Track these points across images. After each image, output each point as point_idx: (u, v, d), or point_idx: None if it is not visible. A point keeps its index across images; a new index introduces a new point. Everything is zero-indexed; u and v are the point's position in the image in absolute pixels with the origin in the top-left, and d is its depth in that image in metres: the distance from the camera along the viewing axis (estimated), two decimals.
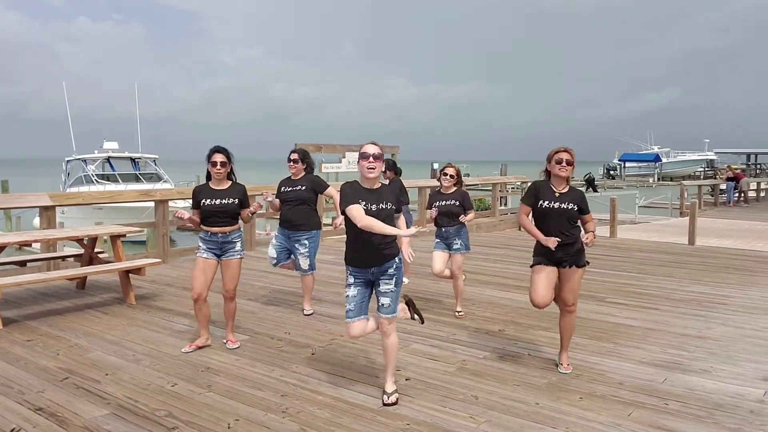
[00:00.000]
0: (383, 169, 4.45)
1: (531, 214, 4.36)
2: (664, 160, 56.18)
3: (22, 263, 7.39)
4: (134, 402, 3.86)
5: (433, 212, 5.86)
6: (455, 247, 5.93)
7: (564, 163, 4.20)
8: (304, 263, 5.88)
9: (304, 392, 4.04)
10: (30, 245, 9.92)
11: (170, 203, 9.17)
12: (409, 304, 4.43)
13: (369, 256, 3.79)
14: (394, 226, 3.83)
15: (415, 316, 4.42)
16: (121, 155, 23.40)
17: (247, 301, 6.46)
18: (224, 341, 5.03)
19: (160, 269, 8.04)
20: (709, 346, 5.08)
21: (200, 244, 4.90)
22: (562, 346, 4.52)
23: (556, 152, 4.24)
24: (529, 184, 17.77)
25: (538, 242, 4.29)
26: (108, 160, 22.84)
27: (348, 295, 3.86)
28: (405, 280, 7.37)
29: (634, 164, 56.07)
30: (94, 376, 4.29)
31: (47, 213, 7.67)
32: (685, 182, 23.06)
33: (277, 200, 5.83)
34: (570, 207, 4.21)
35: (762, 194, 26.13)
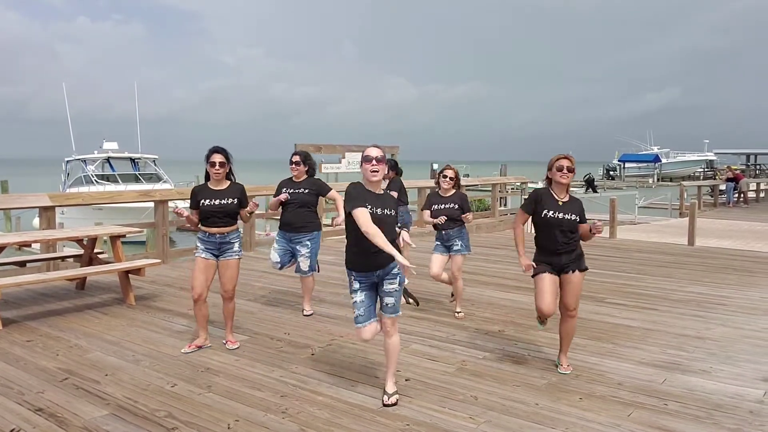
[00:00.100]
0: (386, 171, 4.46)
1: (533, 223, 4.42)
2: (663, 160, 56.21)
3: (22, 264, 7.39)
4: (134, 402, 3.86)
5: (441, 219, 5.78)
6: (456, 248, 5.93)
7: (565, 170, 4.26)
8: (304, 264, 5.88)
9: (304, 393, 4.04)
10: (30, 246, 9.92)
11: (170, 203, 9.17)
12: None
13: (375, 260, 3.78)
14: (396, 234, 3.86)
15: (410, 300, 4.43)
16: (120, 155, 23.40)
17: (246, 302, 6.46)
18: (224, 342, 5.03)
19: (160, 270, 8.04)
20: (709, 347, 5.08)
21: (198, 244, 4.90)
22: (562, 349, 4.54)
23: (557, 159, 4.31)
24: (529, 185, 17.76)
25: (538, 249, 4.39)
26: (108, 160, 22.84)
27: (356, 301, 3.84)
28: (405, 280, 7.36)
29: (634, 165, 56.10)
30: (93, 377, 4.30)
31: (47, 213, 7.67)
32: (684, 183, 23.07)
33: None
34: (573, 218, 4.28)
35: (761, 195, 26.13)
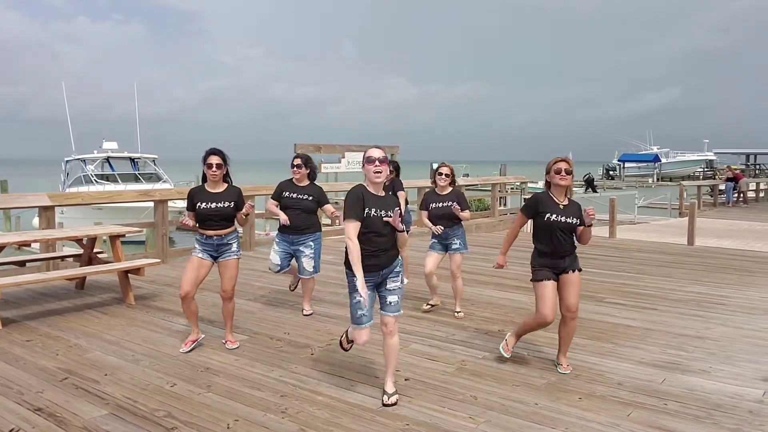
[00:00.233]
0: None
1: (533, 226, 4.44)
2: (663, 160, 56.21)
3: (22, 263, 7.39)
4: (133, 402, 3.86)
5: (438, 229, 5.84)
6: (454, 246, 5.94)
7: (563, 173, 4.30)
8: (309, 265, 5.87)
9: (304, 392, 4.04)
10: (29, 245, 9.90)
11: (170, 203, 9.17)
12: None
13: (382, 260, 3.81)
14: (396, 238, 3.87)
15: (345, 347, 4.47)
16: (120, 155, 23.40)
17: (246, 302, 6.46)
18: (223, 341, 5.03)
19: (160, 269, 8.04)
20: (708, 347, 5.08)
21: (196, 245, 4.90)
22: (561, 349, 4.54)
23: (555, 162, 4.35)
24: (528, 185, 17.75)
25: (537, 253, 4.40)
26: (107, 160, 22.83)
27: (359, 301, 3.82)
28: (405, 280, 7.36)
29: (634, 164, 56.10)
30: (93, 377, 4.29)
31: (46, 213, 7.66)
32: (684, 183, 23.09)
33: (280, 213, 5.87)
34: (574, 222, 4.32)
35: (761, 195, 26.14)
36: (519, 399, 3.96)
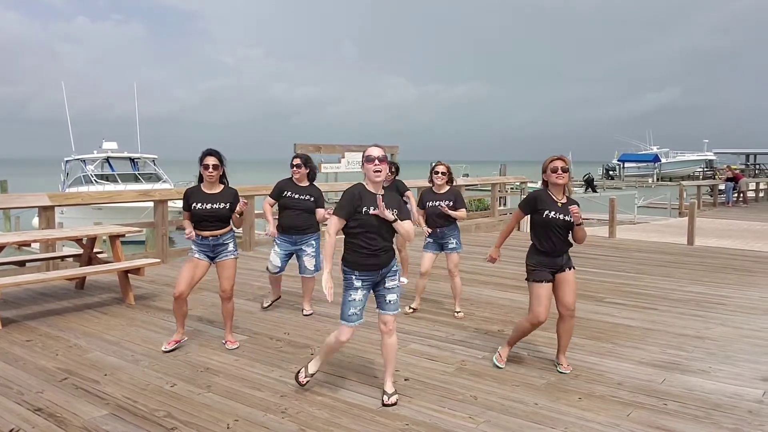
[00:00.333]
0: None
1: (531, 223, 4.44)
2: (663, 160, 56.20)
3: (21, 263, 7.39)
4: (133, 402, 3.86)
5: (428, 230, 5.95)
6: (450, 246, 5.95)
7: (560, 171, 4.30)
8: (310, 263, 5.88)
9: (303, 392, 4.03)
10: (29, 245, 9.91)
11: (170, 203, 9.17)
12: None
13: (381, 260, 3.81)
14: (394, 234, 3.87)
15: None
16: (120, 155, 23.40)
17: (246, 302, 6.46)
18: (223, 342, 5.03)
19: (159, 269, 8.04)
20: (708, 347, 5.08)
21: (192, 246, 4.90)
22: (561, 349, 4.54)
23: (551, 161, 4.35)
24: (528, 184, 17.78)
25: (535, 251, 4.39)
26: (107, 160, 22.83)
27: (354, 299, 3.81)
28: (404, 279, 7.37)
29: (633, 164, 56.09)
30: (93, 377, 4.30)
31: (46, 213, 7.66)
32: (684, 182, 23.09)
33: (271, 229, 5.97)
34: (572, 220, 4.31)
35: (761, 194, 26.14)
36: (519, 399, 3.96)
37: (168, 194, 9.31)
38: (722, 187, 23.43)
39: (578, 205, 4.39)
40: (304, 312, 6.03)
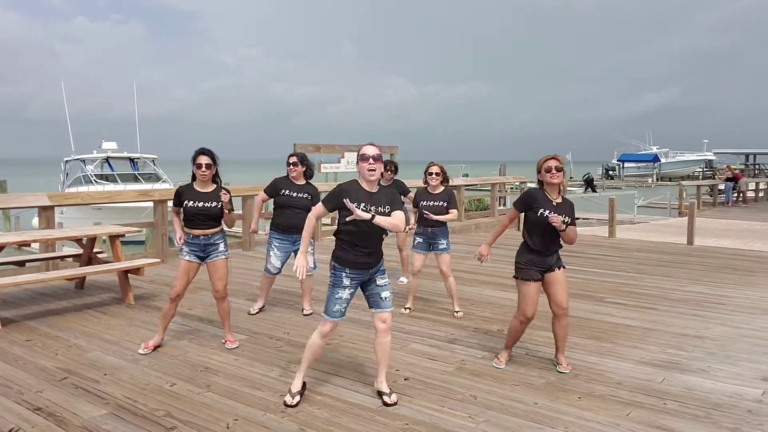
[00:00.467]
0: (383, 170, 4.45)
1: (525, 222, 4.45)
2: (662, 160, 56.22)
3: (21, 263, 7.39)
4: (133, 402, 3.86)
5: (413, 225, 6.04)
6: (441, 246, 5.97)
7: (554, 171, 4.29)
8: (309, 261, 5.89)
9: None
10: (29, 245, 9.90)
11: (169, 203, 9.17)
12: None
13: (372, 259, 3.83)
14: (385, 235, 3.90)
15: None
16: (119, 155, 23.39)
17: (245, 301, 6.46)
18: (223, 341, 5.03)
19: (159, 269, 8.04)
20: (708, 346, 5.09)
21: (183, 247, 4.90)
22: (559, 348, 4.55)
23: (545, 161, 4.35)
24: (528, 184, 17.79)
25: (526, 249, 4.39)
26: (107, 160, 22.82)
27: (341, 297, 3.82)
28: (404, 279, 7.37)
29: (633, 164, 56.11)
30: (92, 376, 4.29)
31: (46, 213, 7.67)
32: (683, 182, 23.10)
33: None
34: (566, 219, 4.31)
35: (761, 194, 26.16)
36: (518, 398, 3.96)
37: (168, 194, 9.30)
38: (722, 187, 23.44)
39: (573, 205, 4.40)
40: (304, 312, 6.03)
